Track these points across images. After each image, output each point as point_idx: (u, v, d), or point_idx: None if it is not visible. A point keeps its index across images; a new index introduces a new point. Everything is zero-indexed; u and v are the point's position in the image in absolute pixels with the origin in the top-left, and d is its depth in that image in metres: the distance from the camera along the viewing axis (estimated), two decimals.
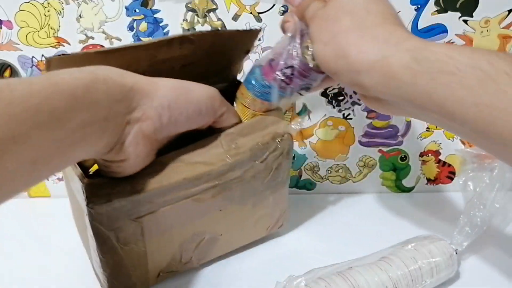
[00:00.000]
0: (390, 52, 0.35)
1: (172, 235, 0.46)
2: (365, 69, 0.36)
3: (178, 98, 0.40)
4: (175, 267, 0.49)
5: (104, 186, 0.40)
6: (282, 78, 0.43)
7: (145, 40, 0.48)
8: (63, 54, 0.38)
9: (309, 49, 0.41)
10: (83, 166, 0.44)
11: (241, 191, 0.48)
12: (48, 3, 0.56)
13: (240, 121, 0.47)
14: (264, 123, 0.47)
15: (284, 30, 0.44)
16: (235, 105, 0.48)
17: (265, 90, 0.45)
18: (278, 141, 0.47)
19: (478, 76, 0.32)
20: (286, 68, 0.43)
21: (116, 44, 0.59)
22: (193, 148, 0.44)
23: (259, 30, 0.49)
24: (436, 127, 0.63)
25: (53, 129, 0.31)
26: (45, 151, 0.31)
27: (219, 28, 0.50)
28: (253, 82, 0.45)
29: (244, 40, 0.49)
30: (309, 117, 0.62)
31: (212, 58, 0.48)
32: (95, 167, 0.43)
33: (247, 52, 0.51)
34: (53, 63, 0.37)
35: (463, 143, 0.64)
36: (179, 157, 0.43)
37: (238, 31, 0.48)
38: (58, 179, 0.68)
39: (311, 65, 0.42)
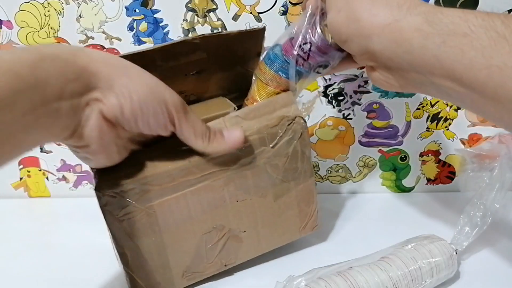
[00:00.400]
0: (402, 15, 0.35)
1: (191, 226, 0.45)
2: (375, 32, 0.36)
3: (144, 94, 0.36)
4: (200, 267, 0.48)
5: (113, 171, 0.40)
6: (301, 53, 0.44)
7: (152, 46, 0.47)
8: None
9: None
10: None
11: (255, 179, 0.46)
12: (48, 3, 0.56)
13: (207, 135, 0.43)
14: (272, 106, 0.46)
15: (304, 7, 0.45)
16: (253, 83, 0.48)
17: (284, 66, 0.45)
18: (289, 124, 0.46)
19: (491, 36, 0.31)
20: (305, 44, 0.43)
21: (116, 44, 0.59)
22: None
23: (263, 29, 0.48)
24: (436, 126, 0.63)
25: None
26: None
27: (222, 31, 0.49)
28: (273, 57, 0.46)
29: (250, 41, 0.49)
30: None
31: (224, 64, 0.48)
32: None
33: (258, 54, 0.50)
34: None
35: (463, 143, 0.64)
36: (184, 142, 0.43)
37: (240, 31, 0.47)
38: (58, 179, 0.68)
39: (329, 41, 0.43)
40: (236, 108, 0.48)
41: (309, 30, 0.43)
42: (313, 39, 0.43)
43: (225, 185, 0.45)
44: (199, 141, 0.41)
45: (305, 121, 0.47)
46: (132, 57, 0.39)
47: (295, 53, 0.44)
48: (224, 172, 0.44)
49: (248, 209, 0.47)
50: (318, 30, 0.43)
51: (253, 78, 0.48)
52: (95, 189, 0.40)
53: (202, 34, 0.45)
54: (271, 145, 0.46)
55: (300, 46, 0.44)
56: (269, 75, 0.46)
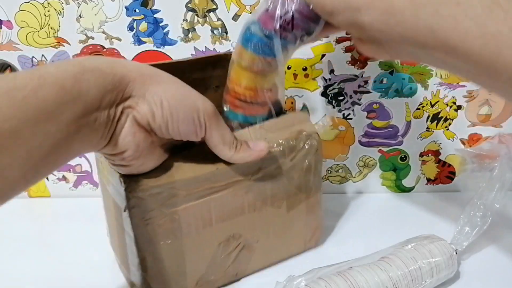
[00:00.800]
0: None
1: (210, 234, 0.46)
2: (365, 5, 0.35)
3: (175, 101, 0.38)
4: (213, 276, 0.48)
5: (141, 175, 0.41)
6: (283, 24, 0.41)
7: (179, 59, 0.49)
8: None
9: None
10: None
11: (273, 189, 0.47)
12: (48, 3, 0.56)
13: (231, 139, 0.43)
14: (291, 121, 0.47)
15: None
16: (230, 71, 0.45)
17: (266, 43, 0.42)
18: (306, 139, 0.47)
19: (485, 4, 0.30)
20: (286, 13, 0.40)
21: (116, 44, 0.59)
22: None
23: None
24: (436, 126, 0.63)
25: (44, 123, 0.30)
26: (39, 146, 0.31)
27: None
28: (250, 37, 0.42)
29: None
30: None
31: None
32: None
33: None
34: None
35: (463, 143, 0.64)
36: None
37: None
38: (58, 179, 0.68)
39: (311, 5, 0.40)
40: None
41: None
42: (294, 6, 0.40)
43: (246, 193, 0.46)
44: (226, 149, 0.42)
45: (319, 138, 0.48)
46: (163, 67, 0.40)
47: (277, 25, 0.41)
48: (246, 181, 0.45)
49: (263, 219, 0.48)
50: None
51: (230, 65, 0.45)
52: (125, 190, 0.40)
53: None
54: (289, 158, 0.47)
55: (281, 17, 0.40)
56: (250, 59, 0.43)
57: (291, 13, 0.40)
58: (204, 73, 0.48)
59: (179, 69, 0.44)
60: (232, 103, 0.46)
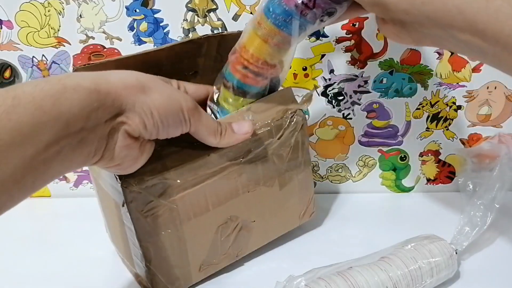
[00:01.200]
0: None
1: (208, 218, 0.47)
2: None
3: (162, 108, 0.38)
4: (215, 259, 0.49)
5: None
6: (305, 1, 0.39)
7: (160, 47, 0.49)
8: (87, 64, 0.41)
9: None
10: None
11: (264, 169, 0.48)
12: (49, 3, 0.56)
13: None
14: (276, 100, 0.48)
15: None
16: (246, 36, 0.44)
17: (286, 18, 0.41)
18: (291, 117, 0.48)
19: None
20: None
21: (117, 44, 0.59)
22: None
23: None
24: (436, 126, 0.63)
25: (18, 146, 0.29)
26: (12, 171, 0.29)
27: (224, 32, 0.50)
28: (272, 8, 0.41)
29: None
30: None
31: (221, 65, 0.49)
32: None
33: None
34: (80, 71, 0.41)
35: (463, 143, 0.64)
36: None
37: (239, 32, 0.47)
38: (59, 178, 0.68)
39: None
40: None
41: None
42: None
43: (238, 176, 0.47)
44: (212, 138, 0.43)
45: (304, 113, 0.50)
46: (138, 58, 0.43)
47: (299, 1, 0.39)
48: (237, 164, 0.46)
49: (257, 199, 0.49)
50: None
51: (247, 29, 0.44)
52: (122, 186, 0.41)
53: (206, 35, 0.48)
54: (277, 137, 0.48)
55: None
56: (268, 30, 0.42)
57: None
58: (182, 62, 0.49)
59: (155, 59, 0.46)
60: (233, 65, 0.46)
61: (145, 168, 0.41)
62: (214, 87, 0.48)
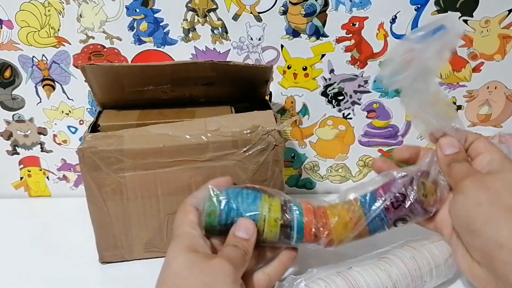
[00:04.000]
0: None
1: (156, 204, 0.50)
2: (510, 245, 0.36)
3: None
4: (160, 244, 0.52)
5: (95, 141, 0.47)
6: (393, 200, 0.43)
7: (164, 63, 0.54)
8: (93, 63, 0.47)
9: (426, 185, 0.42)
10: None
11: (223, 175, 0.47)
12: (49, 3, 0.56)
13: None
14: (254, 117, 0.49)
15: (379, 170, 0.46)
16: (332, 205, 0.45)
17: (375, 214, 0.43)
18: (263, 134, 0.48)
19: None
20: (399, 194, 0.43)
21: (117, 44, 0.59)
22: (179, 124, 0.49)
23: (271, 67, 0.53)
24: None
25: None
26: None
27: (230, 61, 0.52)
28: (365, 198, 0.44)
29: (259, 71, 0.54)
30: (308, 115, 0.63)
31: (234, 82, 0.53)
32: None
33: (266, 81, 0.55)
34: (87, 69, 0.50)
35: None
36: (164, 128, 0.48)
37: (248, 65, 0.54)
38: (59, 178, 0.68)
39: (425, 205, 0.42)
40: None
41: (413, 186, 0.43)
42: (408, 193, 0.42)
43: (194, 175, 0.49)
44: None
45: (281, 137, 0.48)
46: (144, 68, 0.49)
47: (386, 199, 0.43)
48: (193, 163, 0.48)
49: None
50: (415, 187, 0.42)
51: (338, 202, 0.45)
52: (78, 149, 0.47)
53: (211, 60, 0.51)
54: (243, 150, 0.48)
55: (394, 194, 0.43)
56: (356, 212, 0.43)
57: (401, 197, 0.43)
58: (189, 74, 0.52)
59: (161, 71, 0.51)
60: (309, 220, 0.44)
61: (104, 142, 0.47)
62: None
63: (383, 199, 0.43)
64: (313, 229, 0.43)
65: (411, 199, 0.42)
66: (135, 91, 0.54)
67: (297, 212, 0.43)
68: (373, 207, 0.43)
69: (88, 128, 0.50)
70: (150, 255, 0.53)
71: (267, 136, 0.48)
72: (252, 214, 0.42)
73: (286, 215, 0.43)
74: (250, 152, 0.48)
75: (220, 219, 0.41)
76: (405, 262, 0.45)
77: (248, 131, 0.48)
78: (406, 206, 0.43)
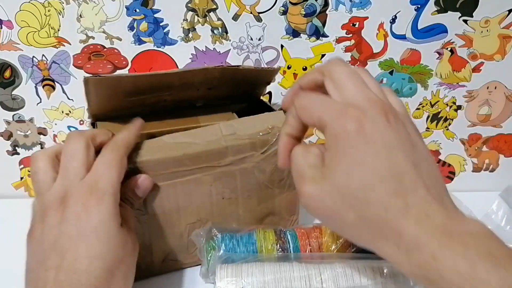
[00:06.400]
0: (401, 259, 0.30)
1: (177, 215, 0.47)
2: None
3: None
4: (180, 256, 0.50)
5: None
6: None
7: (171, 71, 0.53)
8: (98, 75, 0.42)
9: None
10: None
11: (243, 180, 0.48)
12: (49, 3, 0.56)
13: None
14: (266, 119, 0.48)
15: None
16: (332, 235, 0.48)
17: None
18: (279, 134, 0.47)
19: None
20: None
21: (117, 44, 0.59)
22: (194, 132, 0.46)
23: (278, 69, 0.53)
24: (436, 126, 0.63)
25: None
26: None
27: (240, 66, 0.50)
28: None
29: (265, 74, 0.53)
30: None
31: (235, 85, 0.52)
32: None
33: (268, 83, 0.55)
34: (90, 82, 0.43)
35: (463, 143, 0.64)
36: (180, 137, 0.45)
37: (256, 69, 0.52)
38: None
39: None
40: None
41: None
42: None
43: (214, 181, 0.47)
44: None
45: None
46: (152, 78, 0.46)
47: None
48: (214, 169, 0.46)
49: (232, 207, 0.49)
50: None
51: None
52: None
53: (221, 66, 0.49)
54: (261, 151, 0.47)
55: None
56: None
57: None
58: (193, 81, 0.50)
59: (167, 79, 0.48)
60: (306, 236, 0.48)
61: None
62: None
63: None
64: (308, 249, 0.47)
65: None
66: (135, 99, 0.50)
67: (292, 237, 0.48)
68: None
69: None
70: (169, 268, 0.51)
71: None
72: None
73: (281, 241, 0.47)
74: (268, 153, 0.48)
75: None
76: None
77: (264, 132, 0.47)
78: None
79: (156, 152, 0.44)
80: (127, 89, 0.48)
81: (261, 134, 0.47)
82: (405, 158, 0.31)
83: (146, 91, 0.49)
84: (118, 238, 0.37)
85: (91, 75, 0.43)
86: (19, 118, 0.64)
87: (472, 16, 0.57)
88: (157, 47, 0.59)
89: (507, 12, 0.57)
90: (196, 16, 0.57)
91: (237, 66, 0.49)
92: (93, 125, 0.50)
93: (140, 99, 0.49)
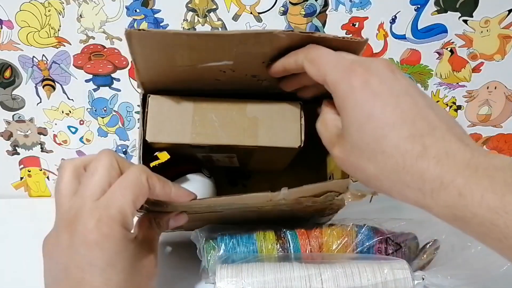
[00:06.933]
0: (428, 202, 0.30)
1: None
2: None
3: None
4: None
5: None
6: (385, 247, 0.47)
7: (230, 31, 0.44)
8: (142, 29, 0.36)
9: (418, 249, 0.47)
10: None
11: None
12: (49, 3, 0.56)
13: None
14: (326, 186, 0.45)
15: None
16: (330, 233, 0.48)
17: (365, 248, 0.48)
18: (331, 199, 0.45)
19: None
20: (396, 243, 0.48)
21: (117, 44, 0.59)
22: (240, 198, 0.43)
23: (366, 41, 0.38)
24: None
25: None
26: None
27: (315, 32, 0.38)
28: (362, 232, 0.48)
29: (348, 47, 0.38)
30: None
31: None
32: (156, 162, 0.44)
33: None
34: (133, 36, 0.36)
35: None
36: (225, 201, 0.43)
37: (338, 38, 0.37)
38: None
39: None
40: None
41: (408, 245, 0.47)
42: (406, 252, 0.47)
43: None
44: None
45: (344, 202, 0.47)
46: (205, 38, 0.37)
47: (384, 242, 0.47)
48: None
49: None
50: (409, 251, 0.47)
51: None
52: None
53: (291, 30, 0.38)
54: (302, 207, 0.45)
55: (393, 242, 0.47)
56: (348, 240, 0.47)
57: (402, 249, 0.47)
58: (257, 48, 0.39)
59: (227, 41, 0.38)
60: (306, 236, 0.48)
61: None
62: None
63: (379, 239, 0.46)
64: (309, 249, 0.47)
65: (402, 251, 0.46)
66: (188, 67, 0.41)
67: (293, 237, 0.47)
68: (366, 244, 0.46)
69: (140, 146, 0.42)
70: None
71: (334, 199, 0.45)
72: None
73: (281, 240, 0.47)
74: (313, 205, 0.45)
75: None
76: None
77: (319, 197, 0.44)
78: (396, 255, 0.46)
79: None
80: (177, 53, 0.39)
81: (314, 198, 0.44)
82: (415, 103, 0.31)
83: (200, 58, 0.40)
84: (135, 265, 0.37)
85: (133, 29, 0.37)
86: (19, 118, 0.64)
87: (472, 16, 0.57)
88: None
89: (507, 12, 0.57)
90: (196, 16, 0.57)
91: (311, 32, 0.38)
92: (144, 98, 0.44)
93: (194, 69, 0.41)
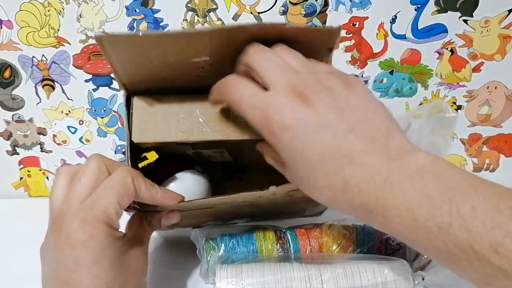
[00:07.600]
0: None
1: None
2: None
3: None
4: None
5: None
6: (385, 247, 0.47)
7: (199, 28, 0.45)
8: (113, 34, 0.35)
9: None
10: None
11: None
12: (49, 3, 0.56)
13: None
14: None
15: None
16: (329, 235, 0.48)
17: (365, 247, 0.47)
18: None
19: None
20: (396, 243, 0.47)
21: None
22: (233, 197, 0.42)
23: (339, 29, 0.38)
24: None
25: None
26: None
27: (286, 23, 0.40)
28: (362, 232, 0.47)
29: (321, 38, 0.39)
30: None
31: None
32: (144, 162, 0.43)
33: (330, 50, 0.41)
34: (104, 40, 0.36)
35: (463, 143, 0.64)
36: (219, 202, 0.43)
37: (308, 28, 0.38)
38: None
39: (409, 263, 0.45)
40: None
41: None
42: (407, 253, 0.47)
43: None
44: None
45: None
46: (176, 37, 0.37)
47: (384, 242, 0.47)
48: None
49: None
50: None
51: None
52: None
53: (261, 24, 0.39)
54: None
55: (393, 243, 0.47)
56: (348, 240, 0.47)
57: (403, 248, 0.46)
58: (231, 45, 0.39)
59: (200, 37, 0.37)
60: (306, 235, 0.48)
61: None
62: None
63: (379, 239, 0.46)
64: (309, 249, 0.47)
65: (402, 251, 0.45)
66: (167, 66, 0.40)
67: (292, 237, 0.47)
68: (366, 244, 0.46)
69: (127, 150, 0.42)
70: None
71: None
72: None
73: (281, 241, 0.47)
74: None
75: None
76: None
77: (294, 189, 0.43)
78: (396, 255, 0.45)
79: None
80: (152, 52, 0.39)
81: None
82: (333, 135, 0.31)
83: (176, 54, 0.39)
84: (122, 262, 0.37)
85: (103, 33, 0.35)
86: (18, 118, 0.64)
87: (472, 16, 0.57)
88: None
89: (507, 12, 0.56)
90: (196, 16, 0.57)
91: (283, 24, 0.38)
92: (128, 98, 0.43)
93: (173, 67, 0.41)
